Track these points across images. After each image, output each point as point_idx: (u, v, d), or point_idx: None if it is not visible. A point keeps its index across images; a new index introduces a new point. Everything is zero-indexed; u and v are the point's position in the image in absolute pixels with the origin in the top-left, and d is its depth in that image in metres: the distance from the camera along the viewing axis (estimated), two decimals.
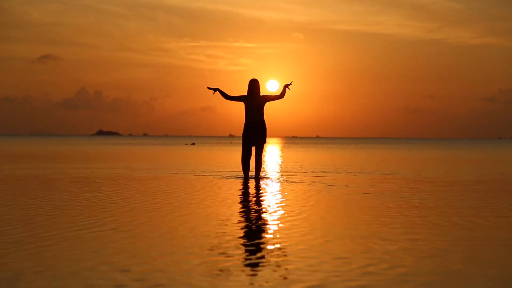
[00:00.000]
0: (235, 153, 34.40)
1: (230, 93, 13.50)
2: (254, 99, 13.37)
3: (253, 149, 14.33)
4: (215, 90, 13.30)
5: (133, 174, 15.48)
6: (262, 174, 15.04)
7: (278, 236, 6.11)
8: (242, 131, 13.54)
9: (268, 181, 13.25)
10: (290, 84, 13.29)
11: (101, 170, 17.31)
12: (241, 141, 13.61)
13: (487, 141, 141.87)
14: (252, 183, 12.58)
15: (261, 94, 13.45)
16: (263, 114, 13.44)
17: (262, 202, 9.15)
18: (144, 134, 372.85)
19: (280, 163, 22.24)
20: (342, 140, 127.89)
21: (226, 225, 6.81)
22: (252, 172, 14.69)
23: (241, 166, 13.96)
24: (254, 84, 13.46)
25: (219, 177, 14.52)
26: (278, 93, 13.44)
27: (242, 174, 14.63)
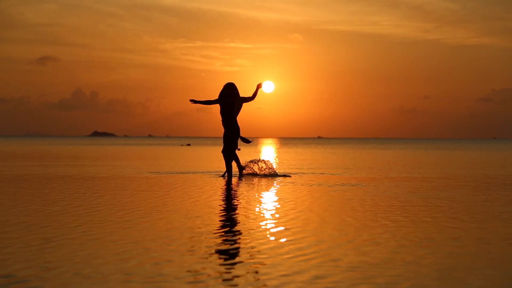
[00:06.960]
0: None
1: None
2: (233, 99, 13.67)
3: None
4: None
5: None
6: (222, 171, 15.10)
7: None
8: (238, 130, 13.85)
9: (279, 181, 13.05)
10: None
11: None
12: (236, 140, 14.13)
13: (482, 141, 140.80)
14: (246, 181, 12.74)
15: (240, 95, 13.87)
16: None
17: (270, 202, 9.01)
18: (149, 135, 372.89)
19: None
20: (344, 141, 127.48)
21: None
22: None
23: (232, 162, 14.06)
24: (226, 88, 13.71)
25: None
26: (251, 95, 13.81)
27: (223, 172, 14.60)
